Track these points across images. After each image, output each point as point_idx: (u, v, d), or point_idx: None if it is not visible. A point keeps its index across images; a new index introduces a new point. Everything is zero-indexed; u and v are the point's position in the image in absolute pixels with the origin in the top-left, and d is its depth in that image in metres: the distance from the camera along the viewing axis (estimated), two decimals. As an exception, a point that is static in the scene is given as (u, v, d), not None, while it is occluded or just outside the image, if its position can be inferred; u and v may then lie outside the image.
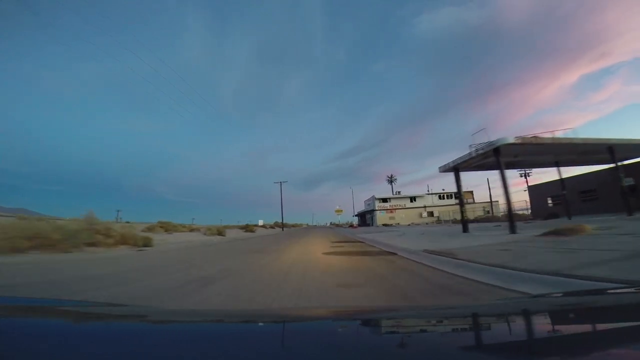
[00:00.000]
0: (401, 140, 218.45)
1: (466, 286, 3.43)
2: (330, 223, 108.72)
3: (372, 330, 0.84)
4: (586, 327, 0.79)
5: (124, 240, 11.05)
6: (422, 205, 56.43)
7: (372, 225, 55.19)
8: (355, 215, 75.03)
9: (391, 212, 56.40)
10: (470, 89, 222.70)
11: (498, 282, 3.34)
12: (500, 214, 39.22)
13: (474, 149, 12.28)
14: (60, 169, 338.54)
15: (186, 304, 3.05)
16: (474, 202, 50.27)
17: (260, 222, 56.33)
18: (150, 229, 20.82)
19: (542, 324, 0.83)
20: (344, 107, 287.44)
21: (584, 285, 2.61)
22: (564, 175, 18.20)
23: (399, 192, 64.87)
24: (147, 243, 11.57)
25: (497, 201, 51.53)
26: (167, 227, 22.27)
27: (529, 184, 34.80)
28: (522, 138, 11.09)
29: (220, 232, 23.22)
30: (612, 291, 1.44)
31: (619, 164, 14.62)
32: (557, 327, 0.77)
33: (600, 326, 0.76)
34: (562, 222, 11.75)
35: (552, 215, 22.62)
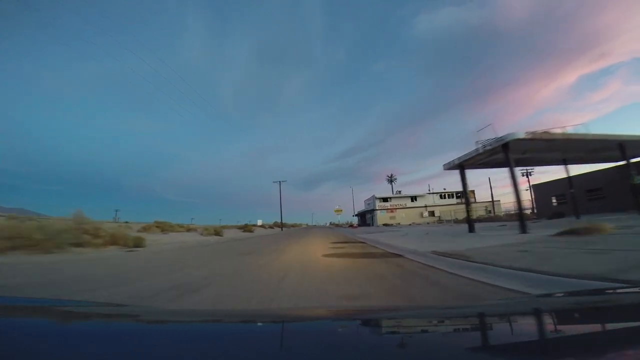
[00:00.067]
0: (401, 140, 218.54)
1: (501, 296, 2.86)
2: (330, 223, 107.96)
3: (373, 330, 0.82)
4: (589, 327, 0.77)
5: (113, 240, 10.58)
6: (423, 205, 55.84)
7: (373, 225, 54.58)
8: (355, 215, 74.28)
9: (392, 211, 55.79)
10: (470, 89, 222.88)
11: (538, 290, 2.73)
12: (501, 214, 38.79)
13: (480, 145, 11.73)
14: (61, 169, 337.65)
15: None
16: (475, 202, 49.78)
17: (259, 222, 55.98)
18: (146, 228, 20.52)
19: (544, 324, 0.81)
20: (343, 107, 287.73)
21: None
22: (568, 174, 17.68)
23: (399, 191, 63.93)
24: (138, 244, 11.09)
25: (499, 200, 51.24)
26: (163, 227, 21.94)
27: (531, 183, 34.40)
28: (533, 133, 10.53)
29: (217, 232, 22.89)
30: (614, 291, 1.42)
31: (630, 161, 14.14)
32: (559, 327, 0.75)
33: (604, 326, 0.74)
34: (570, 222, 11.25)
35: (556, 214, 22.19)
